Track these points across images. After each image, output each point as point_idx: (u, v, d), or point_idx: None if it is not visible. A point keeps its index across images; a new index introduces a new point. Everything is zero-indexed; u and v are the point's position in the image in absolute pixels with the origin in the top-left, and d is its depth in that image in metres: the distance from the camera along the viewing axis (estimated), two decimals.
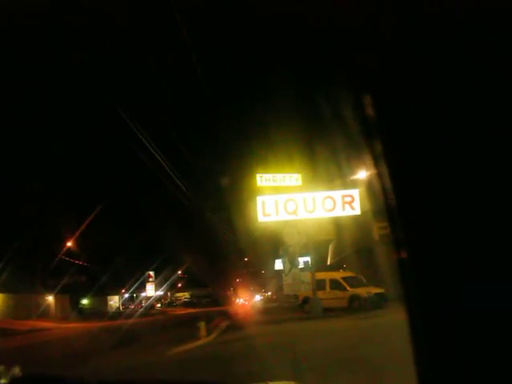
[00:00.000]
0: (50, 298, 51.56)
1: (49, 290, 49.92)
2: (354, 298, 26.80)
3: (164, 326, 32.54)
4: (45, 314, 48.88)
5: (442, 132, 1.89)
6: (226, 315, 33.82)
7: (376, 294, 25.94)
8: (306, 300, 28.18)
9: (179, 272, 69.54)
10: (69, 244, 46.39)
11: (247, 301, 69.53)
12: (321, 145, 25.20)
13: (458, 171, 1.90)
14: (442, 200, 1.91)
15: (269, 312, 35.70)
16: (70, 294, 54.93)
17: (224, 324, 25.77)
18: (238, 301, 74.44)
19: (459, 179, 1.90)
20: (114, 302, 69.58)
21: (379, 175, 2.01)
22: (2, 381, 3.87)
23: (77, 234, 43.66)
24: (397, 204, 1.95)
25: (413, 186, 1.94)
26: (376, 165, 2.05)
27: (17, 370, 3.95)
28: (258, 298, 67.80)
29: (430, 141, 1.90)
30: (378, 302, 25.01)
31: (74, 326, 41.51)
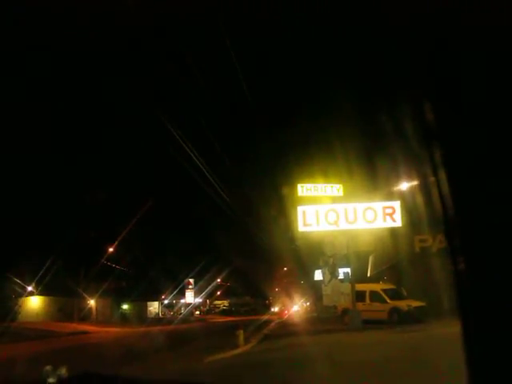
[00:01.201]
0: (92, 302, 52.41)
1: (90, 294, 50.76)
2: (394, 311, 26.38)
3: (203, 333, 32.70)
4: (86, 318, 49.74)
5: (503, 139, 1.85)
6: (264, 324, 33.77)
7: (416, 307, 25.49)
8: (345, 311, 27.91)
9: (218, 280, 69.77)
10: (111, 249, 47.12)
11: (286, 310, 69.26)
12: (364, 155, 25.06)
13: None
14: (503, 209, 1.85)
15: (307, 322, 35.49)
16: (111, 299, 55.71)
17: (262, 333, 25.74)
18: (273, 310, 74.31)
19: None
20: (154, 307, 70.19)
21: (437, 182, 1.96)
22: (50, 380, 3.94)
23: (119, 239, 44.29)
24: (455, 213, 1.91)
25: (473, 195, 1.89)
26: (434, 172, 2.01)
27: (63, 370, 4.03)
28: (296, 308, 67.43)
29: (490, 147, 1.85)
30: (419, 315, 24.56)
31: (115, 330, 42.10)
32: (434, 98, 1.99)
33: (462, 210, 1.96)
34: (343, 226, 26.16)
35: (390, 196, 27.64)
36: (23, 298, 44.90)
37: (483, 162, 1.94)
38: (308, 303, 66.46)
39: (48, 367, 4.00)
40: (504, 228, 1.93)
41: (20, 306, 43.84)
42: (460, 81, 2.02)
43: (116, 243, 46.04)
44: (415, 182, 25.73)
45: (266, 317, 53.94)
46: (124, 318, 53.88)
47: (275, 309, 77.72)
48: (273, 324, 37.43)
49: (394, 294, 27.69)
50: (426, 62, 2.06)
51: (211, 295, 79.67)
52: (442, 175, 2.00)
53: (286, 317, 55.15)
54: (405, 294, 28.04)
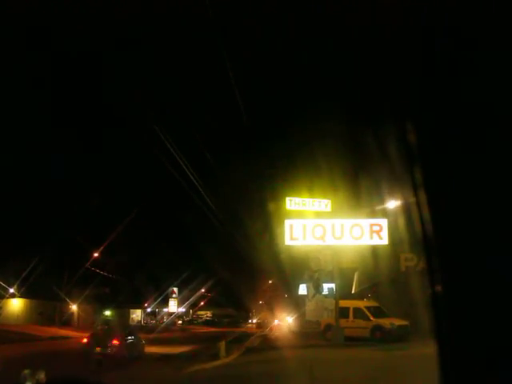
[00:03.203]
0: (74, 307, 51.93)
1: (73, 298, 50.31)
2: (376, 329, 26.38)
3: (184, 343, 32.52)
4: (68, 323, 49.27)
5: (485, 161, 1.88)
6: (247, 337, 33.66)
7: (399, 325, 25.53)
8: (328, 327, 27.88)
9: (202, 290, 69.48)
10: (96, 254, 46.80)
11: (269, 324, 69.03)
12: (352, 172, 25.17)
13: (503, 204, 1.87)
14: (484, 233, 1.88)
15: (289, 336, 35.37)
16: (94, 305, 55.24)
17: (244, 346, 25.64)
18: (256, 322, 74.06)
19: (504, 212, 1.87)
20: (136, 315, 69.70)
21: (418, 204, 1.99)
22: None
23: (104, 245, 44.04)
24: (434, 234, 1.94)
25: (453, 217, 1.92)
26: (415, 193, 2.04)
27: (42, 375, 4.01)
28: (279, 321, 67.20)
29: (471, 170, 1.89)
30: (401, 334, 24.59)
31: None
32: (416, 119, 2.03)
33: (440, 232, 2.00)
34: (330, 241, 26.20)
35: (377, 214, 27.74)
36: (4, 300, 44.40)
37: (462, 185, 1.97)
38: (291, 317, 66.30)
39: (26, 371, 3.99)
40: (482, 252, 1.97)
41: (0, 308, 43.38)
42: (443, 102, 2.06)
43: (101, 248, 45.75)
44: (400, 202, 25.86)
45: (248, 329, 53.64)
46: (106, 325, 53.38)
47: (258, 321, 77.44)
48: (255, 337, 37.27)
49: (378, 312, 27.70)
50: (410, 84, 2.10)
51: (194, 305, 79.30)
52: (422, 196, 2.03)
53: (268, 330, 54.95)
54: (388, 312, 28.08)
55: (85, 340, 22.59)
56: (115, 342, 21.38)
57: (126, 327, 31.44)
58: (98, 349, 20.71)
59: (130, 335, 24.12)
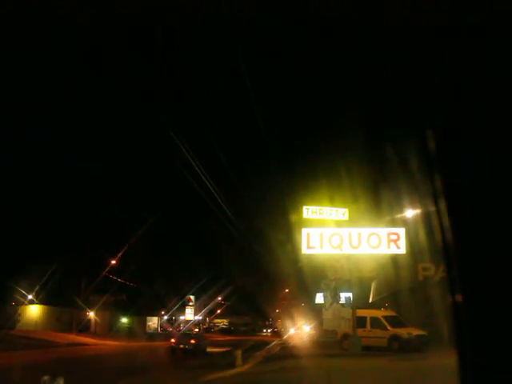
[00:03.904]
0: (91, 314, 52.17)
1: (90, 305, 50.55)
2: (394, 338, 26.15)
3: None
4: (85, 330, 49.48)
5: (506, 169, 1.87)
6: (263, 345, 33.59)
7: (417, 335, 25.29)
8: (345, 336, 27.67)
9: (219, 298, 69.40)
10: (113, 262, 46.99)
11: (286, 332, 68.76)
12: (370, 181, 25.07)
13: None
14: (505, 242, 1.86)
15: (306, 345, 35.17)
16: (111, 312, 55.43)
17: (260, 354, 25.57)
18: (273, 331, 73.80)
19: None
20: (153, 322, 69.77)
21: (437, 212, 1.98)
22: None
23: (122, 252, 44.22)
24: (454, 243, 1.92)
25: (473, 225, 1.90)
26: (435, 202, 2.03)
27: (61, 381, 4.04)
28: (296, 330, 66.90)
29: (492, 178, 1.87)
30: (419, 344, 24.33)
31: (113, 343, 41.91)
32: (436, 128, 2.03)
33: (461, 241, 1.99)
34: (347, 250, 26.06)
35: (394, 223, 27.55)
36: (23, 307, 44.77)
37: (483, 193, 1.96)
38: (308, 326, 65.91)
39: (46, 377, 4.03)
40: (503, 261, 1.95)
41: (19, 314, 43.73)
42: (463, 111, 2.06)
43: (119, 256, 45.95)
44: (419, 211, 25.66)
45: (265, 337, 53.46)
46: (123, 332, 53.55)
47: (275, 330, 77.21)
48: (271, 345, 37.14)
49: (395, 322, 27.48)
50: (431, 93, 2.10)
51: (211, 313, 79.24)
52: (443, 205, 2.02)
53: (285, 338, 54.70)
54: (405, 321, 27.84)
55: (172, 340, 33.64)
56: (192, 341, 32.99)
57: (198, 333, 43.83)
58: (181, 346, 32.08)
59: (199, 337, 36.01)
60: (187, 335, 36.23)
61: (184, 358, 27.56)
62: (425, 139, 2.02)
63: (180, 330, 66.96)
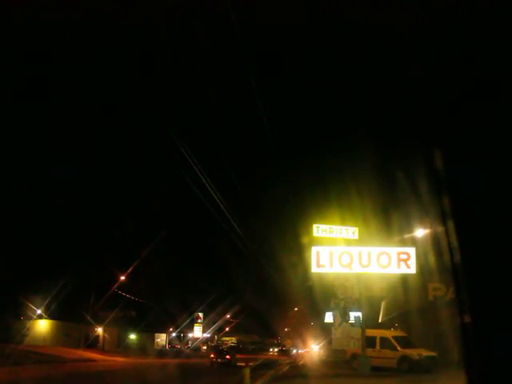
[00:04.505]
0: (100, 330, 52.10)
1: (99, 321, 50.49)
2: (403, 359, 25.84)
3: (209, 369, 32.54)
4: (93, 345, 49.39)
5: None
6: (272, 364, 33.42)
7: (427, 356, 24.97)
8: (354, 356, 27.43)
9: (228, 316, 69.15)
10: (122, 277, 47.02)
11: (294, 351, 68.33)
12: (380, 200, 25.02)
13: None
14: (509, 263, 1.85)
15: (315, 365, 34.93)
16: (119, 328, 55.32)
17: (269, 373, 25.36)
18: (282, 349, 73.33)
19: None
20: (161, 339, 69.56)
21: (446, 232, 1.97)
22: None
23: (131, 268, 44.27)
24: (463, 263, 1.90)
25: (481, 245, 1.89)
26: (443, 221, 2.01)
27: None
28: (305, 349, 66.43)
29: (500, 198, 1.86)
30: (429, 365, 24.02)
31: (121, 359, 41.75)
32: (443, 148, 2.03)
33: (469, 261, 1.97)
34: (356, 269, 25.87)
35: (404, 243, 27.37)
36: (32, 321, 44.81)
37: (491, 213, 1.95)
38: (317, 345, 65.46)
39: None
40: (510, 281, 1.93)
41: (28, 329, 43.74)
42: (471, 131, 2.06)
43: (128, 272, 45.97)
44: (429, 230, 25.52)
45: (273, 356, 53.03)
46: (131, 348, 53.40)
47: (283, 348, 76.71)
48: (280, 364, 36.91)
49: (405, 342, 27.18)
50: (437, 113, 2.10)
51: (220, 330, 78.91)
52: (451, 225, 2.01)
53: (294, 357, 54.34)
54: (415, 342, 27.56)
55: (212, 355, 41.46)
56: (227, 356, 40.61)
57: (231, 350, 47.05)
58: (219, 360, 39.48)
59: (233, 354, 42.57)
60: (223, 351, 43.58)
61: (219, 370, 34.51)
62: (433, 159, 2.01)
63: (188, 347, 66.81)
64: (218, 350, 44.69)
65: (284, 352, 70.39)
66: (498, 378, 1.95)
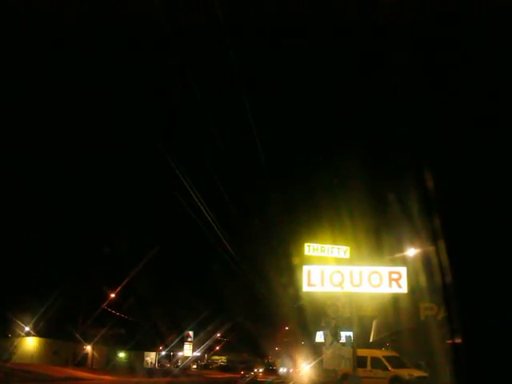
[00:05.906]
0: (88, 348, 51.53)
1: (88, 339, 49.96)
2: (395, 380, 25.71)
3: None
4: (81, 364, 48.85)
5: (504, 209, 1.86)
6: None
7: (418, 377, 24.85)
8: (345, 376, 27.22)
9: (218, 334, 68.68)
10: (112, 295, 46.69)
11: (285, 370, 67.87)
12: (370, 220, 25.07)
13: None
14: (504, 282, 1.83)
15: None
16: (108, 346, 54.80)
17: None
18: (272, 368, 72.88)
19: None
20: (151, 358, 68.93)
21: (437, 252, 1.96)
22: None
23: (121, 286, 44.00)
24: (453, 283, 1.89)
25: (472, 265, 1.88)
26: (434, 241, 2.00)
27: None
28: (295, 368, 65.99)
29: (490, 218, 1.86)
30: None
31: (109, 378, 41.28)
32: (433, 168, 2.02)
33: (460, 280, 1.96)
34: (348, 288, 25.77)
35: (396, 262, 27.35)
36: (19, 338, 44.27)
37: (481, 233, 1.94)
38: (308, 365, 64.93)
39: None
40: (502, 301, 1.92)
41: (15, 347, 43.16)
42: (460, 151, 2.06)
43: (118, 289, 45.68)
44: (420, 250, 25.55)
45: (263, 375, 52.66)
46: (119, 367, 52.84)
47: (272, 368, 76.24)
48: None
49: (396, 362, 27.06)
50: (427, 134, 2.10)
51: (210, 349, 78.34)
52: (441, 245, 2.00)
53: (284, 377, 53.98)
54: (407, 362, 27.45)
55: (242, 372, 47.39)
56: (252, 373, 45.18)
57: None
58: (247, 376, 44.85)
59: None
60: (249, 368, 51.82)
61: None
62: (423, 180, 2.01)
63: (177, 366, 66.19)
64: (245, 367, 54.79)
65: (271, 371, 69.88)
66: None
